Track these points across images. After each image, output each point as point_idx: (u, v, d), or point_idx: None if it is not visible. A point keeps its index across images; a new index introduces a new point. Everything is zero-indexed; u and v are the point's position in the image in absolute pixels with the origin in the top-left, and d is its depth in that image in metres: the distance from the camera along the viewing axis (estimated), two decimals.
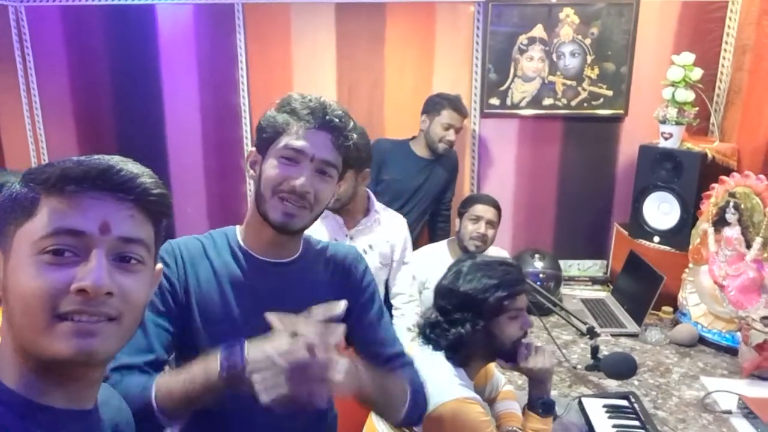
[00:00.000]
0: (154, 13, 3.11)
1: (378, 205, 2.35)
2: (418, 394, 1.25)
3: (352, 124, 1.20)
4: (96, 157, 0.73)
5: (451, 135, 2.77)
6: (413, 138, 2.91)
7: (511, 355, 1.59)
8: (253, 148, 1.22)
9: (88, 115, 3.27)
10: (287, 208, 1.14)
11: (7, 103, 3.14)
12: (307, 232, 1.28)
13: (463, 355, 1.54)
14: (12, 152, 3.14)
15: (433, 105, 2.80)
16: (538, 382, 1.58)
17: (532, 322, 1.62)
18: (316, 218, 1.22)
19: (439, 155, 2.85)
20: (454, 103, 2.78)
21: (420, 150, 2.85)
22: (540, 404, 1.56)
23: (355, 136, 1.21)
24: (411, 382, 1.25)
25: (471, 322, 1.51)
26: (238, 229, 1.26)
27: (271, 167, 1.15)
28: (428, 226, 3.00)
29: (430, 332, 1.57)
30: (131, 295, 0.73)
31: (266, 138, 1.17)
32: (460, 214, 2.57)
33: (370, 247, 2.28)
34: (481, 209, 2.50)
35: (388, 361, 1.30)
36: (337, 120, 1.16)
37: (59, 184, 0.69)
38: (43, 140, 3.30)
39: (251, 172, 1.21)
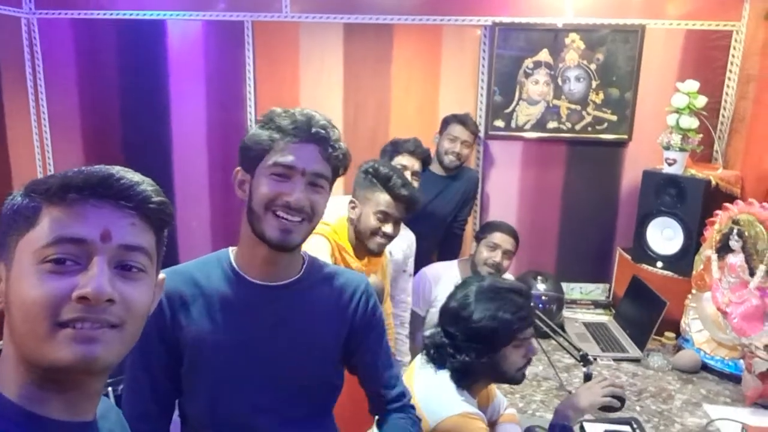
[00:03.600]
0: (164, 28, 3.15)
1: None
2: None
3: (337, 133, 1.18)
4: (97, 166, 0.74)
5: (456, 147, 2.80)
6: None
7: (513, 382, 1.59)
8: (239, 168, 1.19)
9: (95, 128, 3.29)
10: (283, 224, 1.12)
11: (16, 114, 3.16)
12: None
13: (467, 379, 1.53)
14: (19, 164, 3.15)
15: (444, 122, 2.87)
16: (568, 409, 1.57)
17: (536, 350, 1.61)
18: (313, 229, 1.20)
19: (457, 174, 2.88)
20: (460, 118, 2.84)
21: (435, 167, 2.85)
22: (559, 428, 1.54)
23: (342, 145, 1.18)
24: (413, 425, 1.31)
25: (477, 353, 1.50)
26: (232, 252, 1.23)
27: (262, 185, 1.13)
28: (439, 243, 2.98)
29: (435, 353, 1.56)
30: (133, 302, 0.72)
31: (253, 156, 1.15)
32: (478, 239, 2.58)
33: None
34: (499, 238, 2.51)
35: (393, 401, 1.32)
36: (322, 131, 1.14)
37: (60, 193, 0.70)
38: (50, 153, 3.32)
39: (239, 192, 1.19)
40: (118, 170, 0.74)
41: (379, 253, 2.00)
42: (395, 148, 2.49)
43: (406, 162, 2.43)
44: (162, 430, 1.20)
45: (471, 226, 3.14)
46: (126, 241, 0.72)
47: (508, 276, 2.61)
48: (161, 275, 0.82)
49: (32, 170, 3.26)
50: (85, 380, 0.73)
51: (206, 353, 1.15)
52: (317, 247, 1.76)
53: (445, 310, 1.60)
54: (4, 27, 3.05)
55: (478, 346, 1.50)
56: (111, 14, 3.14)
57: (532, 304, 1.60)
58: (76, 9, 3.15)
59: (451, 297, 1.61)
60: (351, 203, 1.97)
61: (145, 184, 0.75)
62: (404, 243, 2.43)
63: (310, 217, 1.15)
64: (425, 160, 2.51)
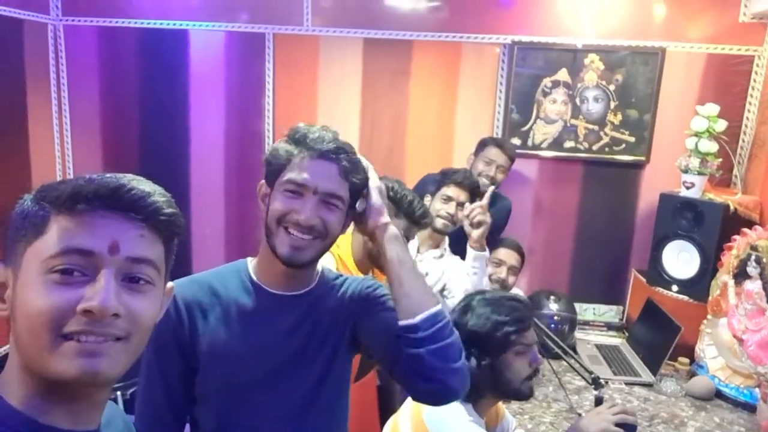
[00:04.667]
0: (187, 38, 3.19)
1: (447, 245, 2.48)
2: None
3: (356, 155, 1.18)
4: (108, 175, 0.73)
5: (491, 170, 2.70)
6: None
7: (520, 395, 1.56)
8: (263, 181, 1.20)
9: (115, 134, 3.34)
10: (294, 240, 1.12)
11: (39, 118, 3.21)
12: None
13: (471, 390, 1.52)
14: (39, 169, 3.19)
15: (481, 144, 2.80)
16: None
17: (540, 360, 1.59)
18: (329, 247, 1.19)
19: (491, 201, 2.72)
20: (498, 141, 2.79)
21: None
22: None
23: (363, 165, 1.19)
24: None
25: (477, 358, 1.50)
26: (250, 263, 1.24)
27: (276, 200, 1.14)
28: None
29: None
30: (139, 315, 0.71)
31: (273, 170, 1.16)
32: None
33: (427, 274, 2.33)
34: (504, 254, 2.51)
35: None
36: (341, 148, 1.14)
37: (69, 203, 0.69)
38: (70, 158, 3.37)
39: (262, 205, 1.19)
40: (129, 180, 0.73)
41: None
42: (444, 177, 2.46)
43: (452, 193, 2.39)
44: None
45: None
46: (134, 254, 0.71)
47: (520, 293, 2.59)
48: (170, 284, 0.82)
49: (52, 175, 3.31)
50: (90, 392, 0.73)
51: (221, 361, 1.15)
52: (325, 261, 1.76)
53: None
54: (31, 33, 3.11)
55: (476, 350, 1.50)
56: (135, 23, 3.19)
57: (532, 312, 1.58)
58: (102, 17, 3.20)
59: (452, 310, 1.62)
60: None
61: (156, 195, 0.74)
62: (451, 266, 2.44)
63: (323, 235, 1.14)
64: (473, 191, 2.45)
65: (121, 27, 3.21)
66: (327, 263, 1.76)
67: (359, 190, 1.19)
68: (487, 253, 2.36)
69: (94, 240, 0.69)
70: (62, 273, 0.68)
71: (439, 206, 2.39)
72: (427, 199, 2.48)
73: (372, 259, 1.93)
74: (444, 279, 2.43)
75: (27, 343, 0.68)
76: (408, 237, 1.94)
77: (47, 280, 0.67)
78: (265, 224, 1.16)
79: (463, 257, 2.47)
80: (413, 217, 1.90)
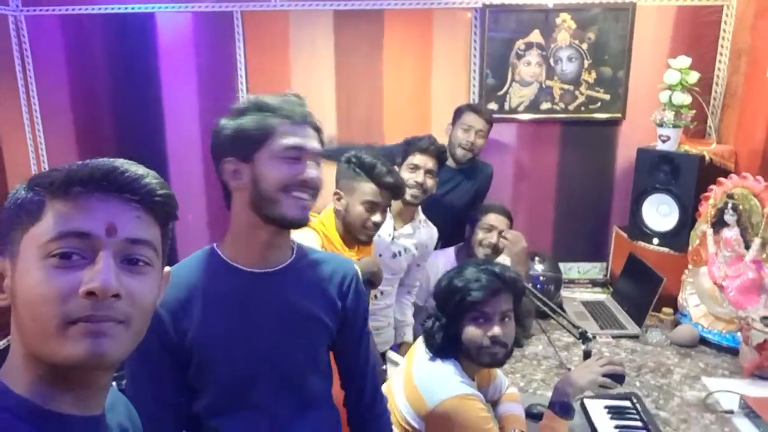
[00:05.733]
0: (153, 21, 3.13)
1: (421, 216, 2.49)
2: None
3: None
4: (101, 159, 0.73)
5: (470, 136, 2.68)
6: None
7: (481, 362, 1.53)
8: (229, 158, 1.16)
9: (88, 122, 3.28)
10: (303, 203, 1.16)
11: (8, 112, 3.15)
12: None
13: (439, 349, 1.56)
14: (12, 160, 3.14)
15: (458, 111, 2.76)
16: (567, 386, 1.58)
17: (500, 335, 1.50)
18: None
19: (471, 167, 2.79)
20: (474, 107, 2.77)
21: (448, 160, 2.74)
22: (558, 405, 1.56)
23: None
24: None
25: (441, 324, 1.55)
26: (218, 247, 1.22)
27: (274, 169, 1.14)
28: (449, 237, 2.87)
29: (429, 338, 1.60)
30: (139, 297, 0.72)
31: (249, 143, 1.14)
32: (472, 222, 2.56)
33: (405, 250, 2.39)
34: (494, 219, 2.51)
35: (372, 404, 1.37)
36: (311, 112, 1.20)
37: (64, 187, 0.69)
38: (43, 148, 3.31)
39: (234, 182, 1.17)
40: (122, 163, 0.73)
41: (368, 242, 2.02)
42: (408, 147, 2.39)
43: (418, 161, 2.33)
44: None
45: None
46: (131, 235, 0.72)
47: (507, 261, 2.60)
48: (167, 269, 0.82)
49: (26, 167, 3.25)
50: (94, 376, 0.73)
51: (211, 350, 1.15)
52: (307, 239, 1.77)
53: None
54: None
55: (440, 315, 1.56)
56: (99, 9, 3.11)
57: (504, 281, 1.52)
58: (64, 5, 3.12)
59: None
60: (336, 194, 1.95)
61: (150, 177, 0.74)
62: (426, 242, 2.49)
63: (317, 194, 1.20)
64: (440, 156, 2.41)
65: (84, 14, 3.13)
66: (311, 242, 1.77)
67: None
68: None
69: (90, 222, 0.69)
70: (61, 257, 0.68)
71: (407, 176, 2.32)
72: (447, 129, 2.59)
73: (347, 228, 1.94)
74: (417, 252, 2.45)
75: (31, 330, 0.68)
76: (377, 202, 1.91)
77: (46, 265, 0.67)
78: (257, 197, 1.14)
79: (438, 228, 2.55)
80: (377, 178, 1.90)
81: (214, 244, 1.24)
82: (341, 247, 1.93)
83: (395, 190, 1.97)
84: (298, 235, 1.75)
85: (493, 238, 2.49)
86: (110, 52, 3.19)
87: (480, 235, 2.51)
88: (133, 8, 3.10)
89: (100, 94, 3.23)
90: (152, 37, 3.14)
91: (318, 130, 1.21)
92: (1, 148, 3.09)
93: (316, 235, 1.86)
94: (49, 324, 0.67)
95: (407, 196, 2.27)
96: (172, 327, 1.13)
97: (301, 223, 1.18)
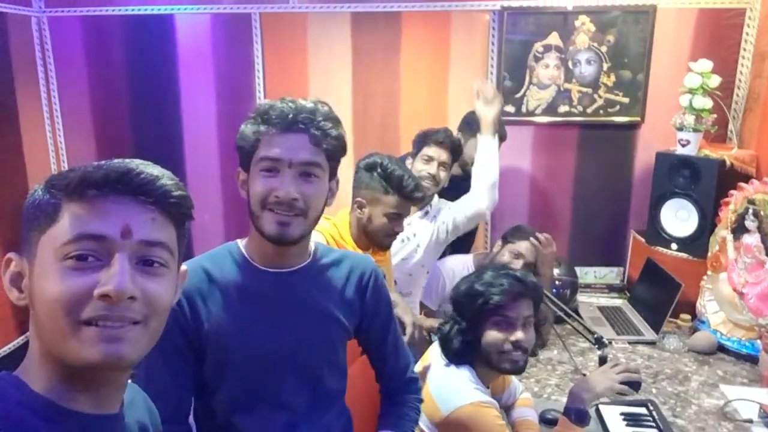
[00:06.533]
0: (173, 23, 3.16)
1: (435, 201, 2.51)
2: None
3: (325, 117, 1.13)
4: (116, 160, 0.73)
5: (432, 168, 2.42)
6: None
7: (500, 368, 1.53)
8: (239, 168, 1.18)
9: (107, 122, 3.33)
10: (280, 218, 1.11)
11: (30, 113, 3.20)
12: None
13: (457, 354, 1.55)
14: (33, 160, 3.19)
15: (469, 125, 2.63)
16: (583, 392, 1.57)
17: (526, 339, 1.51)
18: (315, 223, 1.19)
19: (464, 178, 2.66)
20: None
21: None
22: (573, 412, 1.54)
23: (333, 129, 1.14)
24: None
25: (455, 322, 1.55)
26: (242, 243, 1.23)
27: (255, 183, 1.13)
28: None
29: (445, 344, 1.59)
30: (155, 298, 0.72)
31: (245, 154, 1.14)
32: (504, 239, 2.45)
33: (414, 235, 2.40)
34: (526, 248, 2.37)
35: (398, 388, 1.40)
36: (308, 117, 1.11)
37: (80, 189, 0.70)
38: (64, 148, 3.36)
39: (242, 192, 1.18)
40: (137, 164, 0.73)
41: (388, 247, 2.05)
42: (424, 139, 2.41)
43: (433, 153, 2.36)
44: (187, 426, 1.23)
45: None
46: (147, 237, 0.72)
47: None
48: (183, 267, 0.82)
49: (46, 166, 3.31)
50: (111, 376, 0.74)
51: (228, 346, 1.16)
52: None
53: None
54: (15, 26, 3.08)
55: (459, 319, 1.55)
56: (119, 10, 3.16)
57: (525, 288, 1.52)
58: (86, 6, 3.17)
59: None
60: (357, 203, 1.95)
61: (165, 178, 0.74)
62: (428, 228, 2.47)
63: (305, 211, 1.13)
64: (455, 149, 2.42)
65: (105, 15, 3.18)
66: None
67: (337, 153, 1.17)
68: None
69: (106, 225, 0.70)
70: (77, 259, 0.69)
71: (421, 167, 2.35)
72: (408, 162, 2.44)
73: (368, 235, 1.95)
74: (436, 232, 2.44)
75: (48, 330, 0.69)
76: (402, 214, 1.95)
77: (62, 267, 0.68)
78: (250, 209, 1.15)
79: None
80: (404, 192, 1.90)
81: (238, 240, 1.25)
82: (354, 249, 1.93)
83: (419, 202, 2.00)
84: None
85: (518, 265, 2.33)
86: (130, 53, 3.23)
87: (506, 257, 2.38)
88: (152, 10, 3.14)
89: (119, 95, 3.28)
90: (171, 39, 3.18)
91: (318, 136, 1.12)
92: (23, 148, 3.14)
93: (322, 238, 1.85)
94: (64, 324, 0.68)
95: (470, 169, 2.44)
96: (190, 313, 1.14)
97: (280, 239, 1.13)
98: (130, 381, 0.82)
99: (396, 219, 1.93)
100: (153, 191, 0.73)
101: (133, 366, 0.74)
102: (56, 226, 0.70)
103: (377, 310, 1.31)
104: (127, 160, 0.74)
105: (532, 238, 2.38)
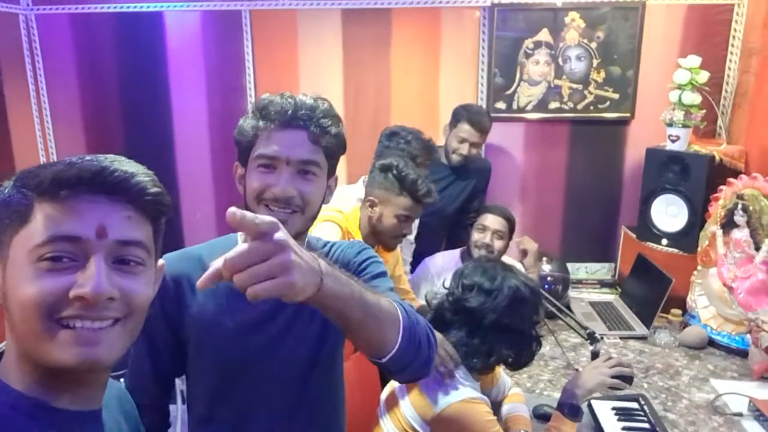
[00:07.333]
0: (162, 20, 3.14)
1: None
2: (419, 326, 0.99)
3: (325, 114, 1.11)
4: (89, 157, 0.71)
5: (464, 149, 2.70)
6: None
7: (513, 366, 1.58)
8: (237, 162, 1.17)
9: (96, 120, 3.30)
10: (276, 215, 1.06)
11: (18, 109, 3.17)
12: None
13: (466, 359, 1.54)
14: (22, 157, 3.16)
15: (455, 116, 2.74)
16: (575, 388, 1.58)
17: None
18: (312, 220, 1.17)
19: (467, 165, 2.77)
20: (471, 117, 2.69)
21: (444, 157, 2.79)
22: (567, 407, 1.55)
23: (332, 126, 1.12)
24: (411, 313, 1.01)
25: (469, 327, 1.53)
26: (241, 238, 1.21)
27: (251, 178, 1.11)
28: (445, 236, 2.93)
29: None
30: (133, 296, 0.71)
31: (243, 149, 1.13)
32: (471, 224, 2.56)
33: None
34: (490, 219, 2.48)
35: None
36: (307, 114, 1.09)
37: (52, 189, 0.67)
38: (53, 146, 3.33)
39: (239, 187, 1.17)
40: (111, 161, 0.71)
41: (395, 248, 2.09)
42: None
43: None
44: (162, 405, 1.23)
45: None
46: (122, 236, 0.70)
47: (519, 266, 2.53)
48: (161, 261, 0.80)
49: (36, 163, 3.27)
50: (90, 377, 0.73)
51: (212, 336, 1.15)
52: (329, 233, 1.78)
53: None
54: (2, 24, 3.04)
55: (471, 322, 1.53)
56: (108, 8, 3.13)
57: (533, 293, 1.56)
58: (74, 3, 3.14)
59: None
60: (368, 201, 1.98)
61: (141, 175, 0.72)
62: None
63: (302, 208, 1.11)
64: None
65: (94, 13, 3.15)
66: (332, 235, 1.77)
67: (336, 151, 1.15)
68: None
69: (80, 226, 0.68)
70: (51, 260, 0.67)
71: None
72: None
73: (376, 235, 1.97)
74: (437, 281, 2.46)
75: (23, 332, 0.68)
76: (412, 216, 1.97)
77: (37, 269, 0.67)
78: (246, 204, 1.13)
79: (432, 231, 2.62)
80: (416, 195, 1.92)
81: (237, 234, 1.21)
82: None
83: (430, 206, 2.03)
84: (320, 229, 1.75)
85: (486, 238, 2.44)
86: (119, 50, 3.20)
87: (475, 235, 2.48)
88: (141, 7, 3.11)
89: (108, 92, 3.25)
90: (161, 36, 3.16)
91: (317, 133, 1.10)
92: (12, 145, 3.11)
93: (338, 230, 1.87)
94: (39, 326, 0.66)
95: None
96: (174, 297, 1.14)
97: None
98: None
99: (405, 221, 1.96)
100: (128, 189, 0.70)
101: (110, 367, 0.73)
102: (28, 226, 0.67)
103: (365, 267, 1.22)
104: (101, 157, 0.72)
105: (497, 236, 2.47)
